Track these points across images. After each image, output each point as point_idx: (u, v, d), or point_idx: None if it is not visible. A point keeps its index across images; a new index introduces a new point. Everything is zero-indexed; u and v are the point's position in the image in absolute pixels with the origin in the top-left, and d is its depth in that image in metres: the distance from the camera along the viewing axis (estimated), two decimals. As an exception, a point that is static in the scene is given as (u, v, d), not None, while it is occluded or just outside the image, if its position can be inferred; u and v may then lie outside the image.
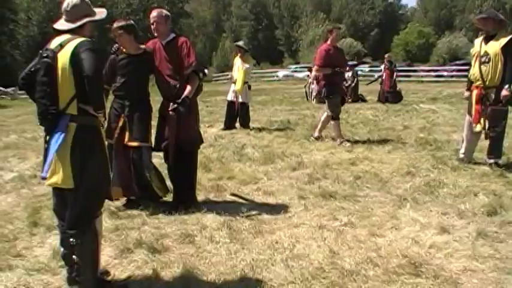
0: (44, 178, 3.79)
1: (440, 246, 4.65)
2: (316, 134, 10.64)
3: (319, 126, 10.67)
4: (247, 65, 12.80)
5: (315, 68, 10.53)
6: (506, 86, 7.24)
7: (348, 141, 10.12)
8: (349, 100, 20.15)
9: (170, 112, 5.88)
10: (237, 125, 13.17)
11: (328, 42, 10.36)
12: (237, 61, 13.01)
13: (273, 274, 4.18)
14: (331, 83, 10.10)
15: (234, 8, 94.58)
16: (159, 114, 6.23)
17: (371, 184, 6.91)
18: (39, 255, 4.86)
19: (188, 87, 5.88)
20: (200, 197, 6.51)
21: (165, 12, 6.17)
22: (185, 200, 6.14)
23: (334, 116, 10.17)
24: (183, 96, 5.81)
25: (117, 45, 6.16)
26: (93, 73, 3.53)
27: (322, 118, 10.56)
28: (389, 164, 8.15)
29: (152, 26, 6.08)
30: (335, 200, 6.22)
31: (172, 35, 6.15)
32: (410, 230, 5.09)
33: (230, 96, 13.15)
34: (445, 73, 41.75)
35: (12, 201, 6.90)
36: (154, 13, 6.10)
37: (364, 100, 21.03)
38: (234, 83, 12.97)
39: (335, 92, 10.14)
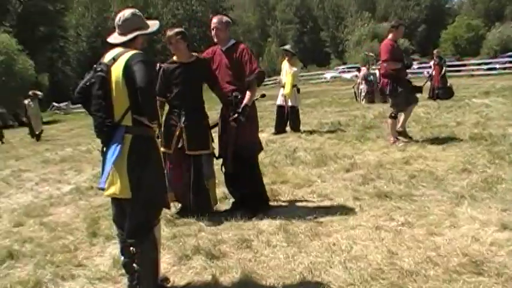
0: (102, 189, 3.87)
1: (501, 243, 4.53)
2: (397, 139, 10.05)
3: (392, 137, 10.13)
4: (295, 69, 12.78)
5: (383, 65, 10.06)
6: None
7: (401, 140, 9.94)
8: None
9: (231, 122, 5.91)
10: (288, 128, 13.16)
11: (390, 37, 9.98)
12: (285, 65, 13.01)
13: (331, 277, 4.15)
14: (397, 79, 9.76)
15: (279, 13, 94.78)
16: (220, 121, 6.28)
17: (426, 183, 6.79)
18: (99, 264, 4.98)
19: (248, 95, 5.92)
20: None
21: (225, 18, 6.24)
22: (255, 207, 6.17)
23: (394, 115, 9.95)
24: (243, 104, 5.85)
25: (159, 63, 6.22)
26: (145, 84, 3.59)
27: (389, 125, 10.24)
28: (444, 161, 8.00)
29: (212, 32, 6.16)
30: (391, 200, 6.14)
31: (232, 41, 6.20)
32: (469, 228, 4.97)
33: (279, 101, 13.15)
34: (497, 66, 40.77)
35: (71, 212, 7.10)
36: (214, 19, 6.18)
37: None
38: (283, 87, 12.96)
39: (400, 88, 9.76)
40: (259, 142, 6.38)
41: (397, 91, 9.72)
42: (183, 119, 6.00)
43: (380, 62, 10.20)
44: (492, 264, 4.10)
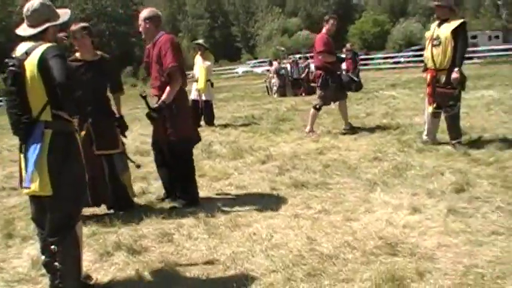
0: (27, 187, 3.72)
1: (413, 225, 4.81)
2: (312, 130, 10.33)
3: (309, 125, 10.34)
4: (208, 63, 12.79)
5: (317, 57, 10.15)
6: (456, 69, 7.45)
7: (315, 132, 10.22)
8: (303, 94, 20.44)
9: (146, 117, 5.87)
10: (202, 123, 13.17)
11: (324, 31, 10.17)
12: (198, 59, 12.99)
13: (254, 265, 4.24)
14: (331, 72, 9.95)
15: (189, 7, 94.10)
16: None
17: (340, 171, 7.03)
18: (17, 266, 4.81)
19: (166, 91, 5.75)
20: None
21: (146, 13, 6.02)
22: (184, 198, 6.17)
23: (318, 107, 10.14)
24: (160, 101, 5.72)
25: None
26: (64, 80, 3.47)
27: (310, 114, 10.35)
28: (356, 150, 8.30)
29: None
30: (307, 189, 6.32)
31: (160, 34, 5.97)
32: (383, 213, 5.23)
33: (193, 95, 13.12)
34: (402, 59, 42.47)
35: (-18, 215, 6.82)
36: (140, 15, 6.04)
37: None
38: (196, 81, 12.95)
39: (331, 82, 9.94)
40: (194, 135, 6.32)
41: (327, 84, 9.95)
42: (89, 119, 5.82)
43: (307, 55, 10.36)
44: (406, 245, 4.34)
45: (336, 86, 10.06)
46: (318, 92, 10.25)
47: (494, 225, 4.69)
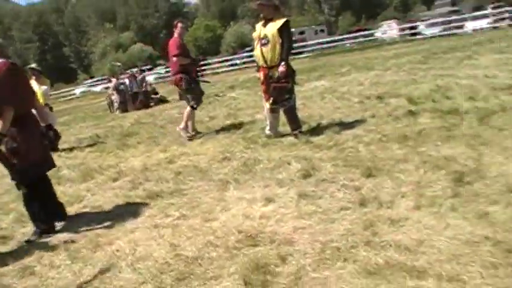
0: None
1: (269, 215, 5.07)
2: (186, 128, 10.39)
3: (184, 122, 10.37)
4: (44, 87, 12.38)
5: (173, 60, 10.13)
6: (283, 63, 7.91)
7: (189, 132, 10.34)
8: (140, 107, 20.46)
9: None
10: (46, 149, 12.71)
11: (176, 35, 10.22)
12: (33, 85, 12.49)
13: (122, 280, 4.25)
14: (189, 74, 10.07)
15: (15, 32, 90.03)
16: None
17: (192, 176, 7.16)
18: None
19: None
20: (28, 228, 6.26)
21: None
22: (39, 227, 5.96)
23: (195, 106, 10.23)
24: None
25: None
26: None
27: (186, 113, 10.37)
28: (204, 154, 8.47)
29: None
30: (162, 198, 6.38)
31: None
32: (239, 208, 5.45)
33: (32, 122, 12.64)
34: (238, 61, 43.86)
35: None
36: None
37: (166, 101, 21.35)
38: (34, 107, 12.47)
39: (194, 82, 10.14)
40: (47, 160, 6.25)
41: (191, 85, 10.09)
42: None
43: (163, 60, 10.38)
44: (265, 234, 4.59)
45: (198, 86, 10.31)
46: (188, 95, 10.31)
47: (342, 201, 5.11)
